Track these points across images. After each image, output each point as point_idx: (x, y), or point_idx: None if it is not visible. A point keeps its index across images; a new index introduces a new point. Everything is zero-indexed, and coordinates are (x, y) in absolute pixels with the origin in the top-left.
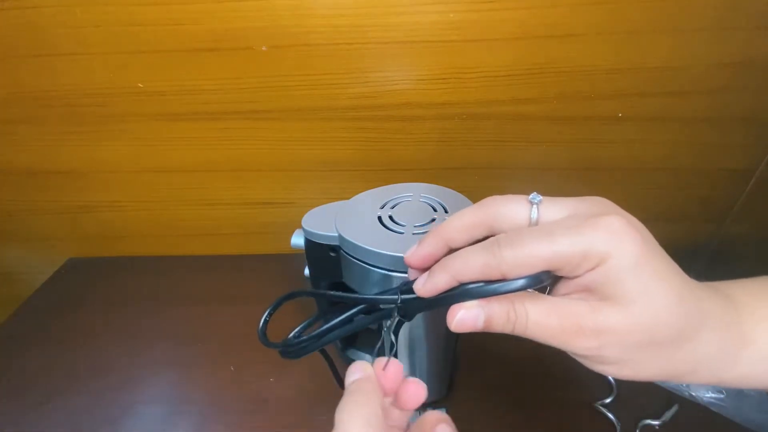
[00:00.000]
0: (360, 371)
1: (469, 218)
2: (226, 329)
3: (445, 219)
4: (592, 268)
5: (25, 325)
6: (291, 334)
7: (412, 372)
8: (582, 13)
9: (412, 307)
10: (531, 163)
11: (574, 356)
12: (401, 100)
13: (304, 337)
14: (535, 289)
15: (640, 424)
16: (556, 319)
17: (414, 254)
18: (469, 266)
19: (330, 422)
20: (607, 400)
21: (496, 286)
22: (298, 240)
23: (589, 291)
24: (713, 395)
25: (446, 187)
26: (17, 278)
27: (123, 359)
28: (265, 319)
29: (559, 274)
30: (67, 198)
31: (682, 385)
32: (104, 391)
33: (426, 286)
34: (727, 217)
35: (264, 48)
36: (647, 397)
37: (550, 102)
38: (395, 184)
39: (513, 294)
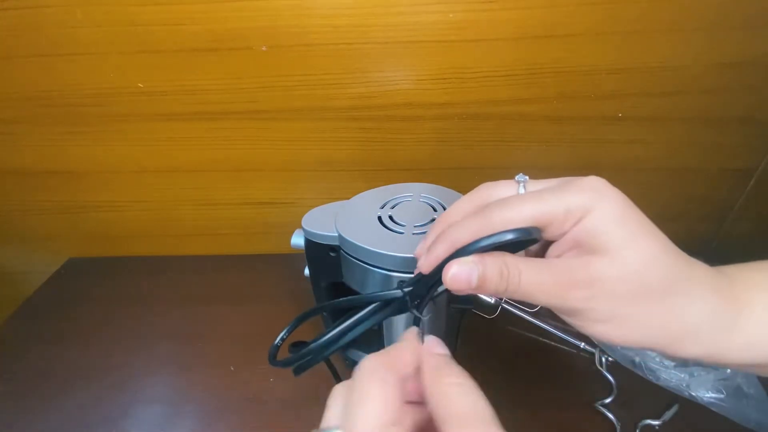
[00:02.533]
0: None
1: (466, 205)
2: (226, 329)
3: None
4: (578, 222)
5: (25, 325)
6: (297, 349)
7: None
8: (582, 13)
9: (418, 291)
10: (531, 163)
11: (567, 318)
12: (401, 100)
13: (312, 346)
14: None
15: (640, 424)
16: (548, 274)
17: (427, 261)
18: (464, 231)
19: None
20: (607, 400)
21: (487, 238)
22: (298, 240)
23: (579, 247)
24: (713, 395)
25: (446, 187)
26: (17, 278)
27: (123, 359)
28: (276, 344)
29: (548, 232)
30: (67, 198)
31: (682, 384)
32: (104, 391)
33: (427, 259)
34: (727, 217)
35: (264, 48)
36: (647, 397)
37: (550, 102)
38: (395, 184)
39: (506, 255)
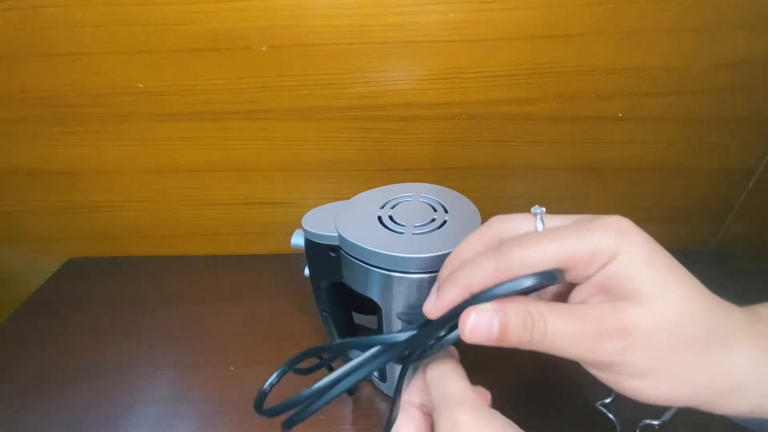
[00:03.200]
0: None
1: (478, 242)
2: (226, 329)
3: (445, 219)
4: (604, 265)
5: (25, 325)
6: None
7: (412, 372)
8: (582, 13)
9: (423, 336)
10: (531, 163)
11: (598, 373)
12: (401, 100)
13: (305, 392)
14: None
15: (640, 424)
16: (576, 324)
17: (437, 305)
18: (479, 273)
19: (329, 422)
20: (607, 400)
21: (506, 284)
22: (298, 240)
23: (606, 291)
24: None
25: (446, 187)
26: (17, 278)
27: (123, 359)
28: (265, 390)
29: (571, 275)
30: (67, 198)
31: None
32: (104, 391)
33: (437, 304)
34: (727, 217)
35: (264, 48)
36: None
37: (550, 102)
38: (395, 184)
39: (529, 301)
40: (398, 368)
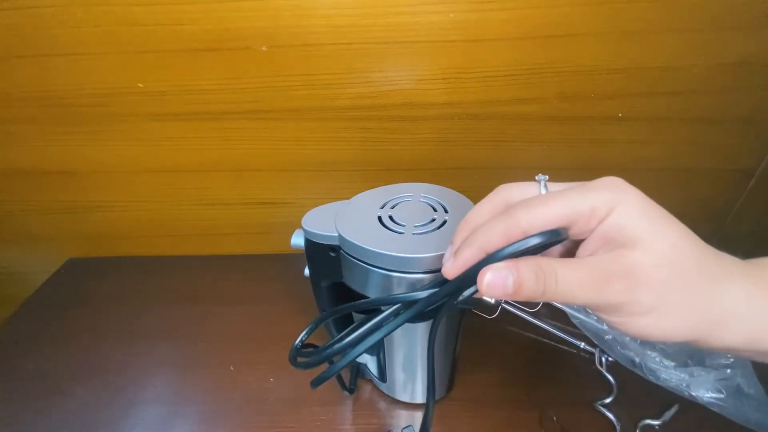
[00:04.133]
0: None
1: (487, 208)
2: (226, 329)
3: (445, 219)
4: (604, 218)
5: (25, 325)
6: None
7: (412, 372)
8: (582, 13)
9: (440, 296)
10: (531, 163)
11: (608, 317)
12: (401, 100)
13: (336, 347)
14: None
15: (640, 424)
16: (584, 271)
17: (454, 266)
18: (491, 234)
19: (329, 422)
20: (607, 400)
21: (516, 243)
22: (298, 240)
23: (608, 243)
24: (713, 395)
25: (446, 187)
26: (17, 278)
27: (123, 359)
28: (297, 345)
29: (575, 231)
30: (67, 198)
31: (682, 384)
32: (104, 391)
33: (455, 265)
34: (727, 217)
35: (264, 48)
36: (647, 397)
37: (550, 102)
38: (395, 184)
39: (539, 258)
40: (399, 371)
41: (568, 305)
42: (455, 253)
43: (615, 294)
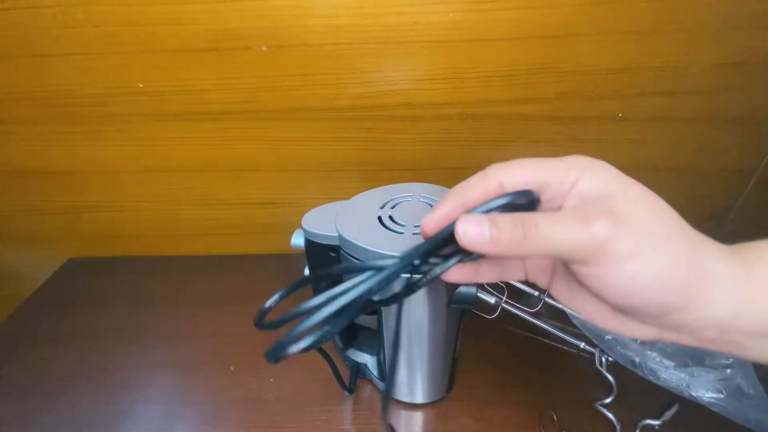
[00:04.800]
0: None
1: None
2: (226, 329)
3: None
4: (577, 180)
5: (25, 325)
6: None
7: (412, 371)
8: (582, 13)
9: (421, 252)
10: None
11: (592, 271)
12: (401, 100)
13: (303, 307)
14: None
15: (640, 424)
16: (566, 215)
17: (431, 220)
18: (469, 189)
19: (329, 422)
20: (607, 400)
21: (492, 201)
22: (298, 240)
23: (584, 200)
24: (713, 395)
25: (446, 187)
26: (17, 278)
27: (123, 359)
28: (268, 306)
29: (548, 194)
30: (67, 198)
31: (682, 384)
32: (104, 391)
33: (432, 218)
34: (727, 217)
35: (264, 48)
36: (647, 397)
37: (550, 102)
38: (395, 184)
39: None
40: (399, 370)
41: (551, 254)
42: (434, 208)
43: (599, 230)
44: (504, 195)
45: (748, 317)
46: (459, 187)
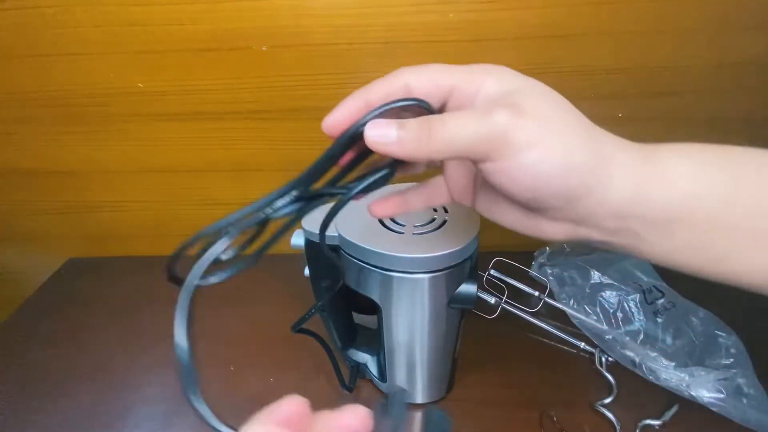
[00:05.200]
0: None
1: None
2: (226, 329)
3: (445, 219)
4: (482, 83)
5: (25, 325)
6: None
7: (412, 371)
8: (582, 13)
9: (328, 157)
10: None
11: (497, 165)
12: None
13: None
14: None
15: (640, 424)
16: (469, 111)
17: (334, 115)
18: (374, 88)
19: None
20: (607, 400)
21: (387, 103)
22: (298, 240)
23: (490, 101)
24: (713, 395)
25: None
26: (17, 278)
27: (123, 359)
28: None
29: (457, 98)
30: (67, 198)
31: (682, 384)
32: (104, 391)
33: (335, 114)
34: None
35: (264, 48)
36: (647, 397)
37: None
38: (395, 184)
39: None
40: (399, 370)
41: (457, 152)
42: (339, 106)
43: (499, 119)
44: (402, 99)
45: (645, 202)
46: (365, 87)
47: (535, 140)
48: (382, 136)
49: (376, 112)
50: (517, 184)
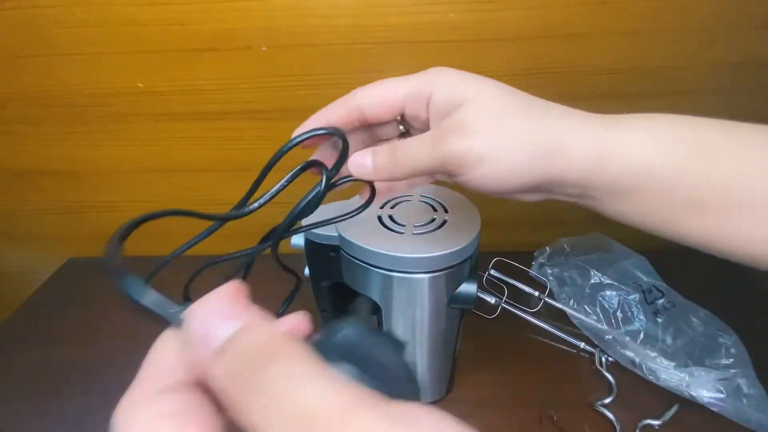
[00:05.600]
0: None
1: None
2: None
3: (445, 219)
4: (431, 95)
5: (25, 325)
6: None
7: None
8: (582, 13)
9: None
10: None
11: (459, 180)
12: None
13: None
14: None
15: (640, 424)
16: (427, 136)
17: (298, 131)
18: (332, 111)
19: None
20: (607, 400)
21: (307, 132)
22: (298, 240)
23: (443, 115)
24: (713, 395)
25: (446, 187)
26: (17, 278)
27: (123, 359)
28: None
29: (412, 111)
30: (67, 198)
31: (682, 384)
32: (104, 391)
33: (300, 129)
34: None
35: (264, 48)
36: (647, 397)
37: None
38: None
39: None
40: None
41: (423, 173)
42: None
43: (451, 145)
44: (317, 129)
45: (604, 173)
46: (324, 109)
47: (486, 155)
48: (359, 165)
49: (297, 140)
50: (484, 188)
